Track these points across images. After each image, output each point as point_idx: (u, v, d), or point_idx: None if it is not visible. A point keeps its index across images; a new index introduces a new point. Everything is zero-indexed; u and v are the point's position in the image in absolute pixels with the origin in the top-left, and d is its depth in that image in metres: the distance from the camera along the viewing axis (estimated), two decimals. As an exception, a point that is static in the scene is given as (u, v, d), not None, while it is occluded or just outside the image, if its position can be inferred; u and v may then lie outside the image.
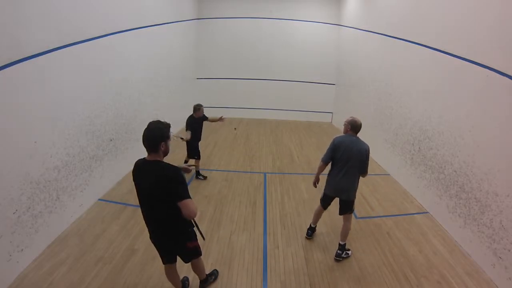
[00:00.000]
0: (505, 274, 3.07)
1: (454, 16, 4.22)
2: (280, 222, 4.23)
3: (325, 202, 3.64)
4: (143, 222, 2.43)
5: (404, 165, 5.50)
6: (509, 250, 3.05)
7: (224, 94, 10.62)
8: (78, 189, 4.09)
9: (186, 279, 3.03)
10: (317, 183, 3.66)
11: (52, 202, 3.57)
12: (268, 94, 10.67)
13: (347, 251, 3.54)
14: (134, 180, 2.33)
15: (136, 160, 2.31)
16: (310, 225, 3.90)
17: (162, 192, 2.16)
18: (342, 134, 3.47)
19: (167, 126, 2.24)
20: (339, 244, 3.47)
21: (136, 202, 4.91)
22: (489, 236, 3.35)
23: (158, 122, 2.21)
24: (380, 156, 6.48)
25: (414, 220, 4.39)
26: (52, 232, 3.60)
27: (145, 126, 2.19)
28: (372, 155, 4.32)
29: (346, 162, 3.28)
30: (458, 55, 4.06)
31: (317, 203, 3.62)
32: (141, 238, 3.68)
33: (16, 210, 3.02)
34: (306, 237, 3.87)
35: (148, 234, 2.47)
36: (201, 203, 4.63)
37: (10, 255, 2.95)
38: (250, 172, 5.91)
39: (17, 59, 2.95)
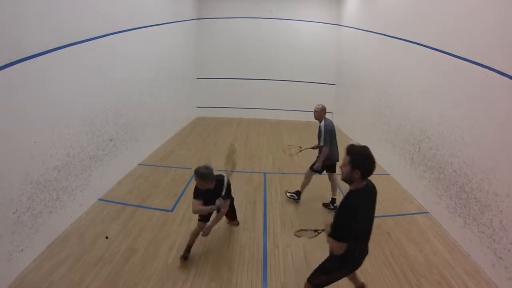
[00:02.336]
0: (505, 274, 3.07)
1: (454, 16, 4.22)
2: (280, 222, 4.23)
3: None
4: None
5: (404, 165, 5.49)
6: (509, 250, 3.05)
7: (224, 94, 10.61)
8: (78, 189, 4.09)
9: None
10: None
11: (52, 202, 3.57)
12: (268, 94, 10.65)
13: None
14: None
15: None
16: None
17: None
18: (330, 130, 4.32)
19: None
20: None
21: (136, 202, 4.88)
22: (489, 236, 3.35)
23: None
24: (380, 156, 6.44)
25: (414, 220, 4.39)
26: (52, 232, 3.60)
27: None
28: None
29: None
30: (458, 55, 4.06)
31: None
32: (141, 238, 3.68)
33: (16, 210, 3.02)
34: None
35: None
36: (201, 203, 4.63)
37: (10, 255, 2.95)
38: (250, 172, 5.91)
39: (17, 59, 2.95)
